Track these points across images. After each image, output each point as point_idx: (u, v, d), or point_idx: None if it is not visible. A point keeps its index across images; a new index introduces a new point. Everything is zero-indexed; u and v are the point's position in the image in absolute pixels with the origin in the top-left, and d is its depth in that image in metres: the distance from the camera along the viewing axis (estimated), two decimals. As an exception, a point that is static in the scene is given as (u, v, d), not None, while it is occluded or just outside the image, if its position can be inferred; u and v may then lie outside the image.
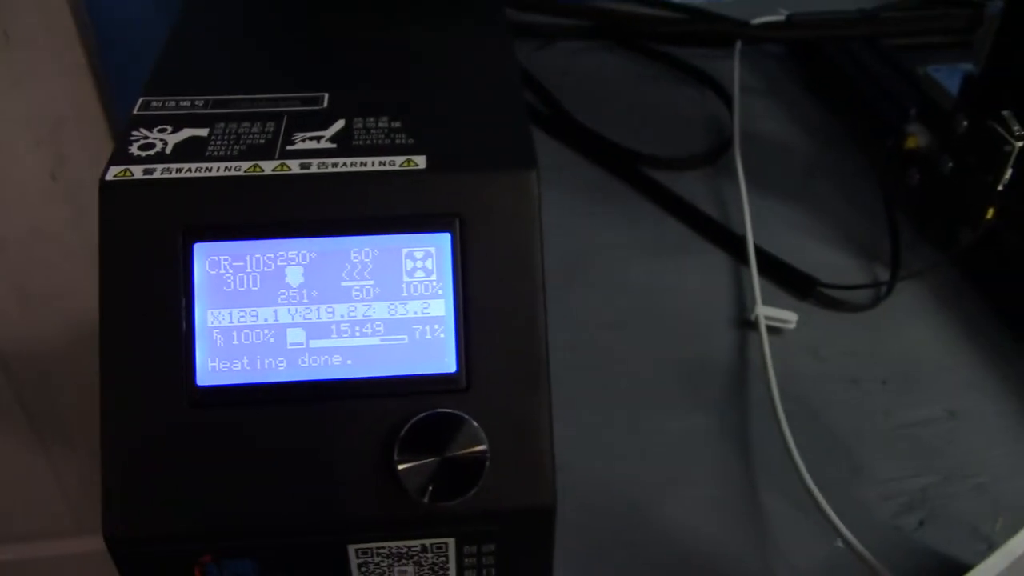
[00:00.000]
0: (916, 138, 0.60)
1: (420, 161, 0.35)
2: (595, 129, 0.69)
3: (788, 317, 0.54)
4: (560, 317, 0.52)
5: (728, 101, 0.72)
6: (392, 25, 0.47)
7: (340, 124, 0.37)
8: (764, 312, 0.53)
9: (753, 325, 0.53)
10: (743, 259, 0.58)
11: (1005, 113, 0.52)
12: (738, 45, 0.76)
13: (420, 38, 0.45)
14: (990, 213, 0.54)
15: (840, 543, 0.42)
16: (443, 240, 0.34)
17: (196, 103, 0.38)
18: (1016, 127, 0.51)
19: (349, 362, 0.34)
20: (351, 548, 0.34)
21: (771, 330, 0.53)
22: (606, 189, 0.65)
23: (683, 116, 0.73)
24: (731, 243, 0.60)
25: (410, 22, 0.47)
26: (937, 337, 0.54)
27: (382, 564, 0.35)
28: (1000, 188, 0.52)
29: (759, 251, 0.58)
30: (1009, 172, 0.52)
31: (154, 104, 0.38)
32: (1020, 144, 0.51)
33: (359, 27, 0.46)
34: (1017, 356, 0.53)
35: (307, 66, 0.43)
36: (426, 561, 0.35)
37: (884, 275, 0.58)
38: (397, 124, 0.37)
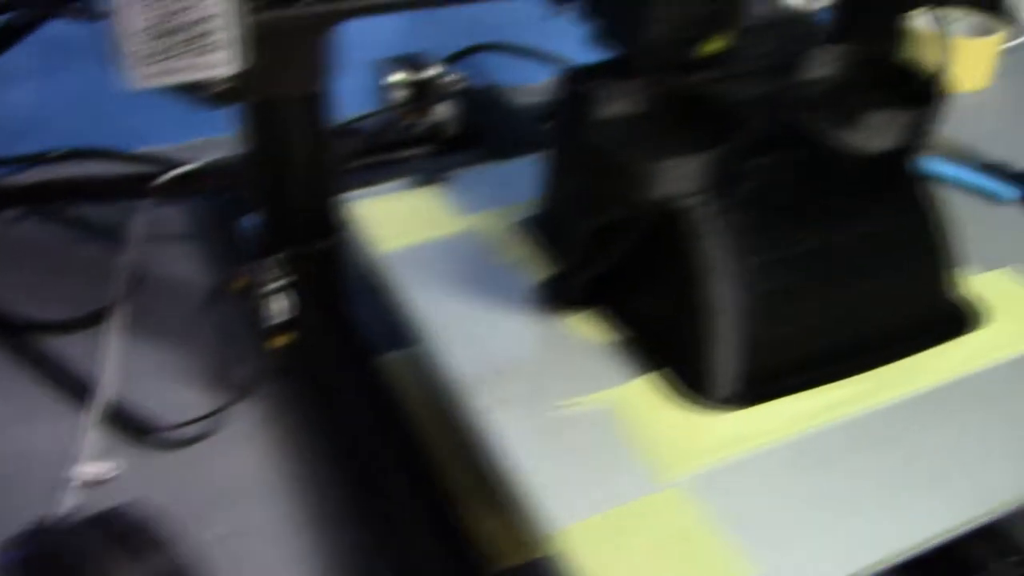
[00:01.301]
0: (247, 278, 0.68)
1: None
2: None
3: (108, 468, 0.60)
4: None
5: (133, 256, 0.78)
6: None
7: None
8: (86, 468, 0.59)
9: (79, 481, 0.59)
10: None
11: (269, 259, 0.61)
12: (145, 201, 0.83)
13: None
14: (277, 342, 0.63)
15: None
16: None
17: None
18: (266, 274, 0.60)
19: None
20: None
21: (96, 483, 0.59)
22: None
23: (93, 276, 0.78)
24: (90, 401, 0.65)
25: None
26: (259, 458, 0.62)
27: None
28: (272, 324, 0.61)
29: (110, 403, 0.64)
30: (279, 306, 0.61)
31: None
32: (271, 287, 0.60)
33: None
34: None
35: None
36: None
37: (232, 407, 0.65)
38: None
